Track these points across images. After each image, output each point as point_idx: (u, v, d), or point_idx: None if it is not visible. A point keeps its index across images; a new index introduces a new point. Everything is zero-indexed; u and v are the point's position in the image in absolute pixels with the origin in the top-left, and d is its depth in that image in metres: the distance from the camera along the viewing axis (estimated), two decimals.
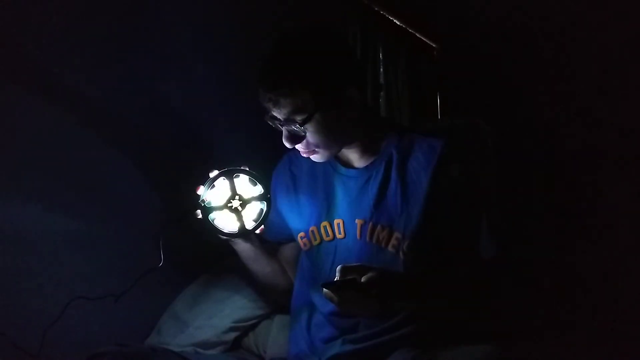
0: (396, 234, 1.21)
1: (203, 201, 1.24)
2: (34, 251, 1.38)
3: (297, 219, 1.34)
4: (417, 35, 1.72)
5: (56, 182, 1.39)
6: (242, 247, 1.34)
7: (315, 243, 1.31)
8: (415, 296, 1.16)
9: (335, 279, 1.07)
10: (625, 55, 1.49)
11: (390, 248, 1.22)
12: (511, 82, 1.65)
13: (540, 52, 1.61)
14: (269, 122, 1.19)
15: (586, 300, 1.50)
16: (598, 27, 1.51)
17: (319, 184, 1.31)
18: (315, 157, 1.23)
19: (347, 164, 1.29)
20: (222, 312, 1.47)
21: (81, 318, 1.33)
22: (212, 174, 1.25)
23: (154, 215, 1.53)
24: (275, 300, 1.50)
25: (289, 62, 1.13)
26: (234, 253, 1.38)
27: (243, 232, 1.27)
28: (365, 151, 1.26)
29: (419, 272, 1.20)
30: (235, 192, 1.26)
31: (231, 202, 1.26)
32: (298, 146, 1.19)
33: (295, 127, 1.15)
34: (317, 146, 1.19)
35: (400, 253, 1.20)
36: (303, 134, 1.16)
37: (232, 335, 1.47)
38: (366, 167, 1.27)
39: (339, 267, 1.08)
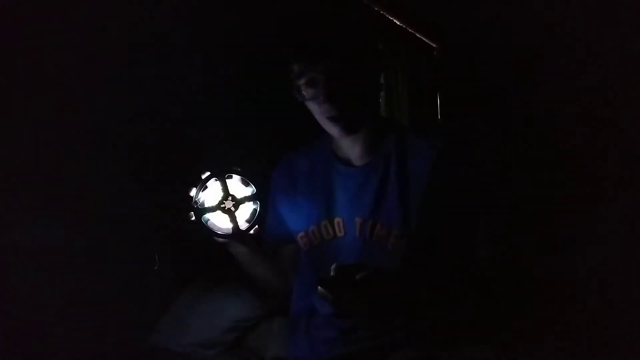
0: (395, 232, 1.21)
1: (196, 203, 1.23)
2: (31, 253, 1.38)
3: (297, 218, 1.33)
4: (417, 35, 1.72)
5: (52, 188, 1.39)
6: (239, 250, 1.33)
7: (315, 242, 1.30)
8: (411, 295, 1.16)
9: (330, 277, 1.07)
10: (626, 55, 1.49)
11: (389, 246, 1.22)
12: (511, 82, 1.65)
13: (540, 52, 1.61)
14: (300, 96, 1.19)
15: (586, 301, 1.50)
16: (598, 27, 1.51)
17: (318, 183, 1.31)
18: (341, 124, 1.21)
19: (347, 162, 1.29)
20: (222, 312, 1.46)
21: (80, 319, 1.33)
22: (204, 175, 1.23)
23: (149, 218, 1.53)
24: (274, 301, 1.49)
25: (330, 27, 1.17)
26: (230, 256, 1.38)
27: (237, 233, 1.26)
28: (365, 148, 1.26)
29: (416, 272, 1.20)
30: (228, 192, 1.24)
31: (224, 203, 1.24)
32: (331, 108, 1.18)
33: (337, 80, 1.15)
34: (354, 104, 1.19)
35: (399, 251, 1.20)
36: (346, 89, 1.16)
37: (232, 335, 1.47)
38: (365, 164, 1.27)
39: (334, 266, 1.08)
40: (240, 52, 1.65)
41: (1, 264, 1.34)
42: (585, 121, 1.55)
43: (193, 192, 1.22)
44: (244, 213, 1.26)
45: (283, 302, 1.44)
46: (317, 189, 1.30)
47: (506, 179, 1.33)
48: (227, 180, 1.24)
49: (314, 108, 1.20)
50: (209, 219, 1.24)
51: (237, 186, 1.26)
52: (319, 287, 1.04)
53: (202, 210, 1.22)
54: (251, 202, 1.26)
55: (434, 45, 1.73)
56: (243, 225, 1.26)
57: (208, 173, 1.23)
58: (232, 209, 1.23)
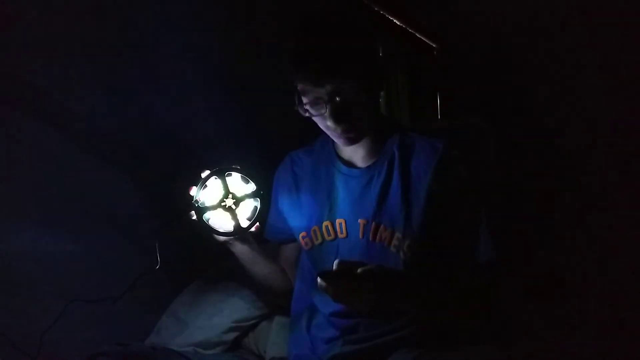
0: (397, 234, 1.21)
1: (196, 202, 1.23)
2: (32, 253, 1.37)
3: (298, 218, 1.34)
4: (417, 35, 1.72)
5: (53, 187, 1.39)
6: (240, 249, 1.33)
7: (317, 242, 1.31)
8: (412, 294, 1.16)
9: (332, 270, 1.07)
10: (626, 55, 1.49)
11: (392, 248, 1.22)
12: (511, 82, 1.65)
13: (541, 52, 1.61)
14: (304, 111, 1.18)
15: (586, 301, 1.50)
16: (598, 26, 1.51)
17: (322, 183, 1.31)
18: (348, 138, 1.21)
19: (350, 164, 1.29)
20: (222, 312, 1.46)
21: (80, 319, 1.33)
22: (204, 174, 1.24)
23: (150, 217, 1.53)
24: (275, 301, 1.49)
25: (334, 46, 1.13)
26: (231, 255, 1.38)
27: (238, 231, 1.26)
28: (368, 150, 1.26)
29: (419, 271, 1.20)
30: (228, 190, 1.25)
31: (225, 201, 1.25)
32: (336, 126, 1.17)
33: (342, 98, 1.14)
34: (358, 121, 1.18)
35: (401, 253, 1.20)
36: (351, 108, 1.15)
37: (232, 335, 1.47)
38: (368, 166, 1.27)
39: (336, 261, 1.08)
40: (242, 49, 1.65)
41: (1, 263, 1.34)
42: (585, 121, 1.55)
43: (193, 191, 1.22)
44: (245, 211, 1.26)
45: (283, 302, 1.44)
46: (320, 189, 1.30)
47: (507, 179, 1.33)
48: (227, 179, 1.24)
49: (319, 121, 1.20)
50: (210, 218, 1.24)
51: (237, 184, 1.26)
52: (320, 280, 1.04)
53: (203, 209, 1.22)
54: (252, 200, 1.26)
55: (434, 45, 1.73)
56: (244, 222, 1.26)
57: (208, 172, 1.23)
58: (233, 206, 1.24)
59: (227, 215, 1.25)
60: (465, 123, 1.32)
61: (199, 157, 1.55)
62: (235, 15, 1.70)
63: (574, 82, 1.57)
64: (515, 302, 1.37)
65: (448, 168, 1.20)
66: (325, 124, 1.18)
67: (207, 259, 1.57)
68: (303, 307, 1.35)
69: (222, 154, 1.47)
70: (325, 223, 1.29)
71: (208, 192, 1.24)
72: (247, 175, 1.26)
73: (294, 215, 1.34)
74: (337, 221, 1.27)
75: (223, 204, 1.24)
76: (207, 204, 1.24)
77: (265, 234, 1.39)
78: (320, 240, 1.30)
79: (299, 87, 1.16)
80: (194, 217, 1.23)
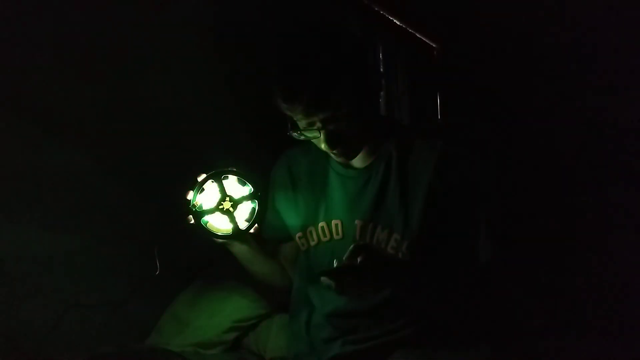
0: (395, 235, 1.21)
1: (194, 206, 1.23)
2: (32, 257, 1.38)
3: (294, 218, 1.33)
4: (417, 35, 1.72)
5: (53, 192, 1.39)
6: (239, 249, 1.34)
7: (312, 243, 1.30)
8: (412, 280, 1.16)
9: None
10: (626, 55, 1.49)
11: (389, 249, 1.21)
12: (511, 83, 1.64)
13: (540, 52, 1.61)
14: (298, 136, 1.16)
15: (586, 301, 1.50)
16: (598, 27, 1.51)
17: (318, 183, 1.31)
18: (342, 158, 1.21)
19: (347, 165, 1.29)
20: (222, 312, 1.46)
21: (80, 320, 1.33)
22: (200, 178, 1.24)
23: (148, 223, 1.53)
24: (276, 298, 1.49)
25: (323, 78, 1.09)
26: (230, 255, 1.38)
27: (237, 233, 1.26)
28: (365, 152, 1.26)
29: (417, 262, 1.20)
30: (225, 193, 1.25)
31: (222, 204, 1.25)
32: (331, 149, 1.16)
33: (335, 127, 1.12)
34: (353, 139, 1.17)
35: (400, 254, 1.20)
36: (343, 134, 1.14)
37: (232, 335, 1.47)
38: (366, 167, 1.26)
39: (335, 261, 1.09)
40: (252, 52, 1.65)
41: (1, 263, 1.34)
42: (585, 121, 1.55)
43: (190, 196, 1.22)
44: (243, 212, 1.26)
45: (283, 302, 1.44)
46: (316, 189, 1.30)
47: (506, 179, 1.33)
48: (224, 182, 1.24)
49: (315, 142, 1.19)
50: (208, 221, 1.24)
51: (234, 186, 1.26)
52: (323, 278, 1.04)
53: (200, 212, 1.22)
54: (249, 201, 1.27)
55: (434, 45, 1.72)
56: (242, 224, 1.26)
57: (204, 175, 1.23)
58: (231, 209, 1.24)
59: (225, 218, 1.25)
60: (465, 123, 1.32)
61: (197, 160, 1.55)
62: (232, 19, 1.70)
63: (574, 82, 1.57)
64: (514, 302, 1.37)
65: (446, 168, 1.19)
66: (320, 145, 1.18)
67: (206, 259, 1.58)
68: (301, 306, 1.35)
69: (219, 156, 1.47)
70: (321, 224, 1.28)
71: (205, 196, 1.25)
72: (244, 177, 1.27)
73: (290, 215, 1.34)
74: (333, 222, 1.27)
75: (221, 207, 1.25)
76: (205, 208, 1.24)
77: (263, 233, 1.39)
78: (315, 241, 1.29)
79: (292, 116, 1.14)
80: (192, 222, 1.23)
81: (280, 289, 1.44)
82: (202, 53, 1.65)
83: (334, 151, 1.17)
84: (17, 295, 1.34)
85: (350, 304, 1.23)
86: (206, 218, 1.25)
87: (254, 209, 1.28)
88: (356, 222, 1.24)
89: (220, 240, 1.28)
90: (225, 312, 1.47)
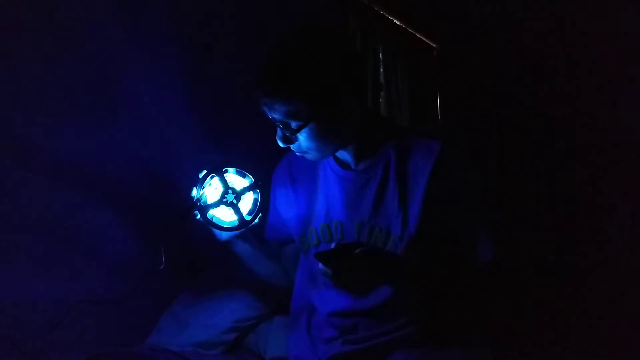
0: (394, 236, 1.21)
1: (198, 201, 1.24)
2: (35, 254, 1.38)
3: (296, 220, 1.34)
4: (417, 35, 1.72)
5: (58, 185, 1.39)
6: (241, 248, 1.34)
7: (313, 245, 1.30)
8: (409, 275, 1.16)
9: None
10: (626, 55, 1.49)
11: (388, 249, 1.21)
12: (511, 82, 1.65)
13: (540, 52, 1.61)
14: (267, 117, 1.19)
15: (585, 301, 1.51)
16: (598, 27, 1.51)
17: (318, 185, 1.31)
18: (307, 157, 1.23)
19: (346, 166, 1.29)
20: (222, 312, 1.46)
21: (82, 319, 1.33)
22: (202, 174, 1.26)
23: (154, 219, 1.53)
24: (276, 298, 1.49)
25: (288, 70, 1.11)
26: (230, 256, 1.39)
27: (243, 224, 1.28)
28: (363, 153, 1.25)
29: (417, 258, 1.20)
30: (228, 186, 1.27)
31: (225, 196, 1.27)
32: (291, 147, 1.19)
33: (288, 133, 1.15)
34: (310, 149, 1.19)
35: (398, 255, 1.20)
36: (295, 140, 1.17)
37: (233, 335, 1.47)
38: (364, 168, 1.26)
39: (334, 243, 1.09)
40: (253, 51, 1.66)
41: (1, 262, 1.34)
42: (584, 121, 1.55)
43: (194, 192, 1.24)
44: (247, 204, 1.28)
45: (283, 302, 1.45)
46: (316, 191, 1.30)
47: (506, 179, 1.33)
48: (225, 175, 1.26)
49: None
50: (213, 215, 1.25)
51: (235, 179, 1.28)
52: (320, 265, 1.05)
53: (205, 207, 1.24)
54: (251, 192, 1.28)
55: (434, 45, 1.73)
56: (247, 216, 1.28)
57: (205, 171, 1.25)
58: (234, 201, 1.26)
59: (230, 210, 1.27)
60: (465, 123, 1.32)
61: (205, 158, 1.56)
62: (245, 15, 1.70)
63: (574, 82, 1.57)
64: (513, 302, 1.37)
65: (445, 169, 1.19)
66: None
67: (206, 259, 1.58)
68: (302, 306, 1.35)
69: (219, 152, 1.48)
70: (322, 225, 1.29)
71: (208, 191, 1.26)
72: (243, 169, 1.28)
73: (291, 217, 1.35)
74: (334, 223, 1.27)
75: (224, 199, 1.26)
76: (209, 202, 1.25)
77: (265, 235, 1.40)
78: (316, 242, 1.30)
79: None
80: (198, 217, 1.24)
81: (281, 290, 1.44)
82: (206, 48, 1.65)
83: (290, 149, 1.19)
84: (20, 296, 1.34)
85: (351, 303, 1.23)
86: (211, 212, 1.26)
87: (256, 199, 1.29)
88: (355, 223, 1.24)
89: (227, 234, 1.29)
90: (225, 312, 1.47)
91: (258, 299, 1.50)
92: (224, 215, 1.28)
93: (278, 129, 1.17)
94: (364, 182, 1.25)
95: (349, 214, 1.25)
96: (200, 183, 1.24)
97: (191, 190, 1.25)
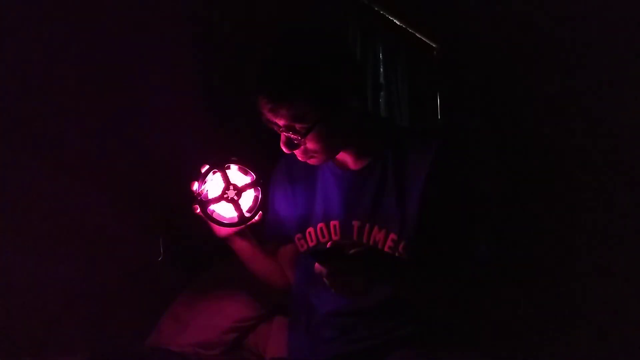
0: (392, 235, 1.21)
1: (199, 195, 1.24)
2: (33, 250, 1.38)
3: (294, 220, 1.34)
4: (417, 35, 1.72)
5: (56, 175, 1.39)
6: (240, 245, 1.34)
7: (311, 244, 1.31)
8: (405, 277, 1.16)
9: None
10: (626, 55, 1.49)
11: (386, 249, 1.22)
12: (511, 82, 1.65)
13: (540, 52, 1.61)
14: (268, 125, 1.19)
15: (585, 301, 1.51)
16: (598, 26, 1.51)
17: (316, 185, 1.31)
18: (311, 162, 1.23)
19: (344, 166, 1.29)
20: (222, 312, 1.46)
21: (81, 317, 1.33)
22: (204, 169, 1.26)
23: (154, 213, 1.53)
24: (275, 298, 1.49)
25: (291, 73, 1.10)
26: (231, 255, 1.39)
27: (243, 220, 1.28)
28: (361, 153, 1.26)
29: (414, 258, 1.20)
30: (229, 182, 1.27)
31: (226, 192, 1.27)
32: (296, 152, 1.19)
33: (293, 136, 1.15)
34: (315, 152, 1.19)
35: (397, 254, 1.20)
36: (301, 144, 1.16)
37: (232, 335, 1.47)
38: (362, 168, 1.26)
39: (330, 241, 1.09)
40: (253, 50, 1.66)
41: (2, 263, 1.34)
42: (585, 121, 1.55)
43: (195, 186, 1.24)
44: (247, 200, 1.28)
45: (283, 302, 1.45)
46: (314, 191, 1.31)
47: (505, 179, 1.33)
48: (227, 171, 1.26)
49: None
50: (213, 211, 1.25)
51: (237, 175, 1.28)
52: (316, 264, 1.04)
53: (206, 202, 1.24)
54: (252, 189, 1.28)
55: (434, 45, 1.73)
56: (247, 213, 1.28)
57: (207, 166, 1.25)
58: (235, 197, 1.26)
59: (230, 206, 1.27)
60: (464, 123, 1.32)
61: (206, 152, 1.57)
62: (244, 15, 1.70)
63: (574, 83, 1.57)
64: (512, 302, 1.37)
65: (443, 169, 1.19)
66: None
67: (207, 258, 1.58)
68: (302, 306, 1.35)
69: (222, 148, 1.48)
70: (320, 225, 1.29)
71: (209, 186, 1.26)
72: (246, 166, 1.28)
73: (289, 217, 1.35)
74: (332, 223, 1.27)
75: (225, 195, 1.27)
76: (210, 197, 1.25)
77: (263, 235, 1.40)
78: (314, 242, 1.30)
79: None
80: (198, 211, 1.24)
81: (279, 290, 1.44)
82: (205, 47, 1.65)
83: (295, 154, 1.18)
84: (17, 292, 1.34)
85: (350, 303, 1.23)
86: (211, 207, 1.26)
87: (257, 197, 1.29)
88: (353, 222, 1.24)
89: (226, 230, 1.29)
90: (225, 312, 1.47)
91: (258, 299, 1.50)
92: (224, 211, 1.28)
93: (282, 135, 1.16)
94: (362, 182, 1.25)
95: (347, 214, 1.25)
96: (202, 177, 1.25)
97: (192, 184, 1.25)
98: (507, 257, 1.23)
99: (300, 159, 1.21)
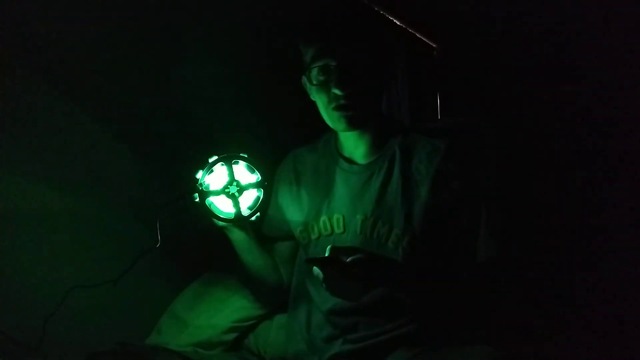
0: (396, 230, 1.21)
1: (201, 184, 1.25)
2: (32, 240, 1.37)
3: (297, 212, 1.35)
4: (417, 35, 1.72)
5: (53, 167, 1.39)
6: (237, 235, 1.35)
7: (313, 237, 1.32)
8: (405, 282, 1.16)
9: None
10: (626, 55, 1.50)
11: (390, 244, 1.22)
12: (511, 82, 1.65)
13: (540, 52, 1.61)
14: (310, 81, 1.21)
15: (586, 301, 1.51)
16: (598, 26, 1.51)
17: (322, 179, 1.33)
18: (350, 115, 1.21)
19: (350, 161, 1.30)
20: (222, 312, 1.46)
21: (80, 310, 1.33)
22: (212, 159, 1.27)
23: (151, 198, 1.53)
24: (267, 296, 1.49)
25: (352, 16, 1.20)
26: (230, 256, 1.39)
27: (239, 218, 1.28)
28: (369, 147, 1.27)
29: (416, 267, 1.20)
30: (234, 178, 1.28)
31: (229, 187, 1.28)
32: (341, 96, 1.18)
33: (358, 59, 1.16)
34: (363, 98, 1.20)
35: (400, 249, 1.21)
36: (364, 66, 1.17)
37: (232, 335, 1.47)
38: (369, 163, 1.28)
39: (328, 247, 1.09)
40: (254, 47, 1.67)
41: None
42: (585, 121, 1.55)
43: (199, 175, 1.25)
44: (247, 199, 1.29)
45: (275, 299, 1.45)
46: (320, 185, 1.32)
47: (506, 179, 1.33)
48: (234, 166, 1.27)
49: (323, 98, 1.20)
50: (212, 202, 1.26)
51: (243, 172, 1.30)
52: (314, 267, 1.05)
53: (206, 192, 1.24)
54: (255, 190, 1.29)
55: (434, 45, 1.73)
56: (245, 211, 1.28)
57: (215, 157, 1.27)
58: (236, 194, 1.27)
59: (229, 201, 1.28)
60: (467, 123, 1.32)
61: (209, 142, 1.57)
62: (245, 15, 1.70)
63: (574, 82, 1.57)
64: (514, 301, 1.37)
65: (450, 169, 1.20)
66: (328, 98, 1.19)
67: (207, 258, 1.58)
68: (301, 304, 1.36)
69: (232, 141, 1.49)
70: (323, 218, 1.29)
71: (214, 177, 1.28)
72: (253, 165, 1.29)
73: (292, 210, 1.36)
74: (335, 216, 1.28)
75: (227, 190, 1.28)
76: (212, 189, 1.27)
77: (262, 229, 1.40)
78: (317, 235, 1.31)
79: (309, 52, 1.19)
80: (197, 200, 1.25)
81: (271, 286, 1.44)
82: (223, 41, 1.65)
83: (342, 102, 1.18)
84: (18, 283, 1.34)
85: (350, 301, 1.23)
86: (211, 199, 1.27)
87: (258, 197, 1.31)
88: (358, 216, 1.25)
89: (221, 223, 1.30)
90: (225, 312, 1.47)
91: (258, 299, 1.50)
92: (223, 205, 1.29)
93: (339, 72, 1.16)
94: (367, 177, 1.26)
95: (351, 208, 1.26)
96: (208, 167, 1.26)
97: (197, 172, 1.27)
98: (510, 255, 1.23)
99: (343, 102, 1.19)
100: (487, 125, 1.31)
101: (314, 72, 1.19)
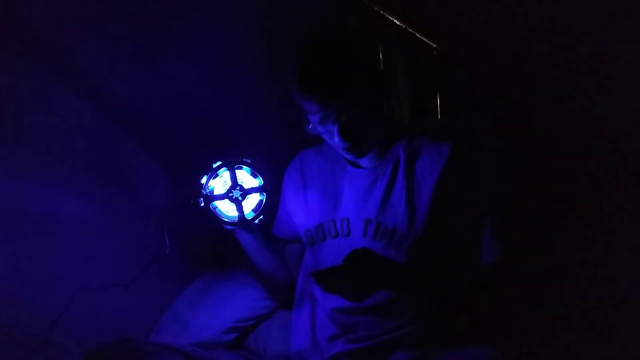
0: (399, 233, 1.22)
1: (205, 189, 1.27)
2: (39, 243, 1.38)
3: (303, 215, 1.36)
4: (417, 35, 1.72)
5: (62, 172, 1.40)
6: (245, 237, 1.37)
7: (319, 240, 1.33)
8: (406, 281, 1.17)
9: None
10: (625, 55, 1.50)
11: (393, 247, 1.23)
12: (511, 82, 1.65)
13: (540, 52, 1.61)
14: (312, 130, 1.21)
15: (587, 301, 1.51)
16: (598, 26, 1.51)
17: (328, 182, 1.34)
18: (356, 151, 1.23)
19: (355, 164, 1.31)
20: (222, 312, 1.47)
21: (86, 312, 1.34)
22: (215, 164, 1.30)
23: (159, 203, 1.54)
24: (276, 294, 1.50)
25: (337, 62, 1.14)
26: (231, 255, 1.40)
27: (242, 222, 1.30)
28: (374, 152, 1.28)
29: (416, 265, 1.21)
30: (237, 182, 1.31)
31: (232, 192, 1.30)
32: (345, 141, 1.18)
33: (355, 108, 1.15)
34: (366, 133, 1.20)
35: (403, 252, 1.21)
36: (360, 114, 1.16)
37: (233, 335, 1.47)
38: (374, 167, 1.29)
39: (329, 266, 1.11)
40: (255, 48, 1.67)
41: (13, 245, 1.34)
42: (585, 121, 1.55)
43: (204, 180, 1.26)
44: (251, 203, 1.31)
45: (283, 297, 1.45)
46: (326, 188, 1.33)
47: (506, 179, 1.33)
48: (237, 171, 1.29)
49: (327, 137, 1.22)
50: (217, 206, 1.27)
51: (246, 177, 1.32)
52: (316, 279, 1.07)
53: (211, 197, 1.26)
54: (258, 194, 1.31)
55: (434, 45, 1.73)
56: (249, 215, 1.31)
57: (219, 162, 1.30)
58: (240, 198, 1.29)
59: (233, 206, 1.31)
60: (469, 125, 1.33)
61: (216, 147, 1.58)
62: (247, 16, 1.70)
63: (575, 82, 1.57)
64: (516, 302, 1.37)
65: (455, 172, 1.21)
66: (332, 141, 1.20)
67: (207, 258, 1.58)
68: (306, 302, 1.37)
69: (237, 147, 1.50)
70: (329, 221, 1.31)
71: (217, 182, 1.31)
72: (256, 170, 1.31)
73: (299, 212, 1.37)
74: (341, 219, 1.29)
75: (230, 194, 1.31)
76: (216, 193, 1.30)
77: (272, 230, 1.43)
78: (322, 237, 1.32)
79: (306, 107, 1.18)
80: (202, 205, 1.26)
81: (280, 286, 1.45)
82: (228, 45, 1.66)
83: (347, 146, 1.19)
84: (23, 284, 1.34)
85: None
86: (215, 203, 1.30)
87: (261, 201, 1.32)
88: (362, 219, 1.26)
89: (225, 227, 1.32)
90: (225, 312, 1.47)
91: (259, 298, 1.50)
92: (226, 209, 1.32)
93: (338, 125, 1.17)
94: (372, 180, 1.27)
95: (356, 211, 1.27)
96: (212, 173, 1.29)
97: (201, 177, 1.30)
98: (512, 257, 1.23)
99: (348, 149, 1.20)
100: (487, 126, 1.31)
101: (315, 124, 1.19)
